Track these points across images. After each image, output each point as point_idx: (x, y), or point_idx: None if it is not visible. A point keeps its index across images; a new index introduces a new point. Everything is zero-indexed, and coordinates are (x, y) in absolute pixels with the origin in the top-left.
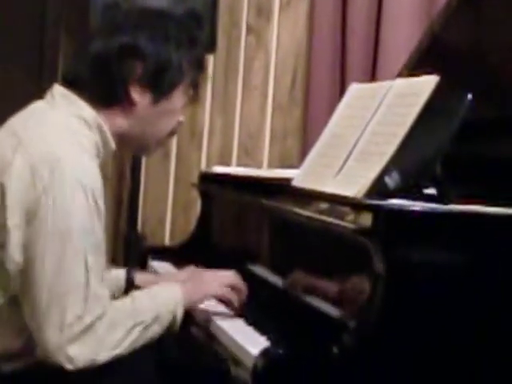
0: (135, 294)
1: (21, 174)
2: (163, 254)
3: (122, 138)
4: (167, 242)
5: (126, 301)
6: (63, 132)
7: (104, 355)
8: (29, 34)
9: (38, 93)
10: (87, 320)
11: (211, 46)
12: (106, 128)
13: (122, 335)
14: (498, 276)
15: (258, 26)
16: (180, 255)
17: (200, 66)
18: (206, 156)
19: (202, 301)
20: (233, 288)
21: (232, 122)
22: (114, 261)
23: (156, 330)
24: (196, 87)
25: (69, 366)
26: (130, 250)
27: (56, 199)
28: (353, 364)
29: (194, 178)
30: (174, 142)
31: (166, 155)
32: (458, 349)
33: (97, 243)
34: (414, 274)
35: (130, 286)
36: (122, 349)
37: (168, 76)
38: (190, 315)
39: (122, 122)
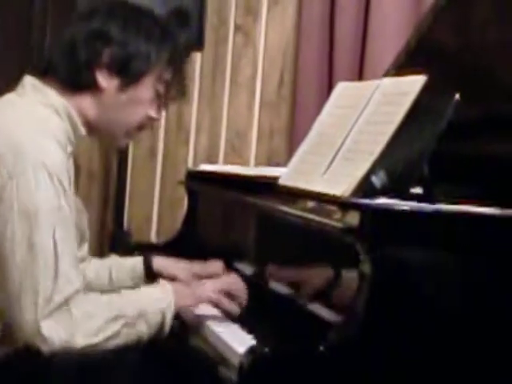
0: (123, 290)
1: None
2: (149, 251)
3: (90, 126)
4: (153, 239)
5: (113, 295)
6: (28, 119)
7: (80, 340)
8: (15, 25)
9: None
10: (57, 299)
11: (199, 44)
12: (74, 115)
13: (100, 324)
14: (485, 275)
15: (245, 24)
16: (166, 252)
17: (171, 63)
18: (192, 153)
19: (194, 305)
20: (228, 293)
21: (219, 120)
22: (100, 257)
23: (142, 329)
24: (167, 84)
25: (44, 347)
26: (116, 247)
27: (20, 181)
28: (339, 362)
29: (181, 176)
30: (160, 139)
31: (153, 152)
32: (444, 347)
33: (65, 222)
34: (400, 273)
35: (149, 272)
36: (99, 338)
37: (135, 64)
38: (183, 323)
39: (89, 109)
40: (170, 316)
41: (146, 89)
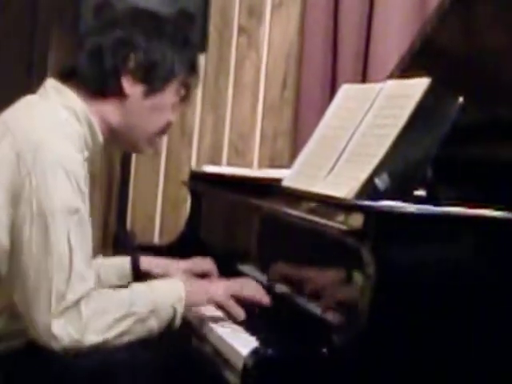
0: (134, 285)
1: (6, 159)
2: (152, 252)
3: (112, 133)
4: (156, 240)
5: (123, 291)
6: (49, 121)
7: (90, 338)
8: (19, 34)
9: (28, 92)
10: (70, 299)
11: (202, 46)
12: (94, 121)
13: (111, 322)
14: (488, 277)
15: (249, 26)
16: (169, 253)
17: (192, 68)
18: (196, 154)
19: (204, 303)
20: (238, 299)
21: (223, 122)
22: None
23: (153, 324)
24: (187, 88)
25: (55, 345)
26: (119, 247)
27: (39, 182)
28: (342, 364)
29: (184, 177)
30: (164, 140)
31: (156, 153)
32: (448, 349)
33: (81, 223)
34: (403, 275)
35: (136, 272)
36: (110, 336)
37: (160, 71)
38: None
39: (112, 115)
40: (180, 310)
41: (169, 95)
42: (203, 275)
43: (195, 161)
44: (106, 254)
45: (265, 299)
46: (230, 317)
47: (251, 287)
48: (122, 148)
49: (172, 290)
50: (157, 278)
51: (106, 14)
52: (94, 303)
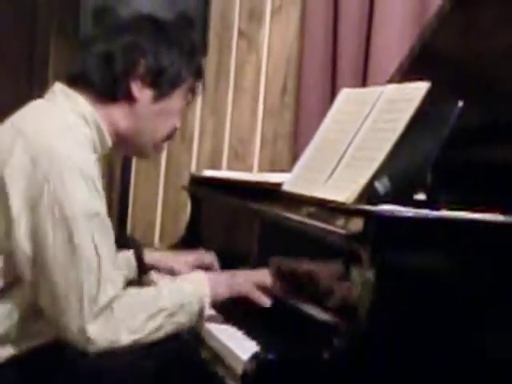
0: (160, 283)
1: (21, 164)
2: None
3: (119, 137)
4: (157, 244)
5: (150, 288)
6: (59, 124)
7: (124, 338)
8: (19, 38)
9: (28, 98)
10: (102, 301)
11: (202, 50)
12: (103, 125)
13: (144, 320)
14: (487, 282)
15: (249, 29)
16: None
17: (199, 73)
18: (196, 159)
19: (230, 294)
20: (260, 287)
21: (223, 126)
22: None
23: (182, 320)
24: (194, 94)
25: (91, 348)
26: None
27: (57, 187)
28: (343, 368)
29: (184, 181)
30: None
31: (156, 158)
32: (448, 352)
33: (103, 225)
34: (404, 280)
35: (140, 265)
36: (143, 334)
37: (169, 76)
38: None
39: (121, 119)
40: (207, 304)
41: (177, 100)
42: (206, 269)
43: (195, 165)
44: None
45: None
46: (254, 303)
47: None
48: (129, 153)
49: (197, 283)
50: (161, 271)
51: (111, 19)
52: (124, 303)
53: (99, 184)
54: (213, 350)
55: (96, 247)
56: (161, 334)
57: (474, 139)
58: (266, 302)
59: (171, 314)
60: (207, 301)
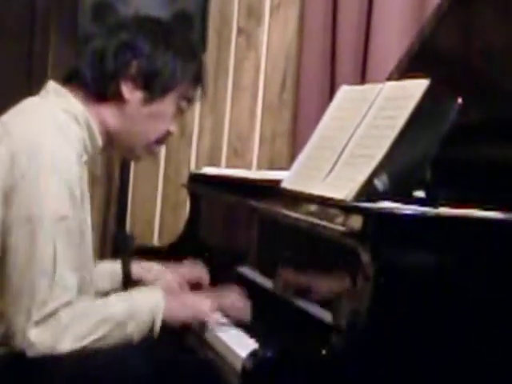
0: (112, 293)
1: (1, 160)
2: (152, 254)
3: (110, 137)
4: (156, 242)
5: (101, 299)
6: (48, 123)
7: (65, 345)
8: (17, 35)
9: (27, 96)
10: (51, 306)
11: (201, 47)
12: (93, 124)
13: (89, 328)
14: (486, 279)
15: (248, 27)
16: (168, 256)
17: (196, 80)
18: (195, 156)
19: (188, 319)
20: (222, 309)
21: (222, 123)
22: (102, 260)
23: (132, 330)
24: (189, 100)
25: (28, 351)
26: (119, 250)
27: (31, 185)
28: (342, 366)
29: (184, 179)
30: None
31: (155, 155)
32: (447, 350)
33: (69, 231)
34: (402, 277)
35: (127, 278)
36: (87, 341)
37: (161, 79)
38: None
39: (111, 118)
40: (159, 316)
41: (168, 104)
42: (195, 283)
43: (194, 162)
44: (104, 256)
45: (246, 317)
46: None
47: (236, 301)
48: (119, 153)
49: (150, 296)
50: (147, 285)
51: (111, 17)
52: (72, 310)
53: (78, 191)
54: (212, 348)
55: (55, 251)
56: (107, 341)
57: (474, 136)
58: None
59: (119, 325)
60: (159, 315)
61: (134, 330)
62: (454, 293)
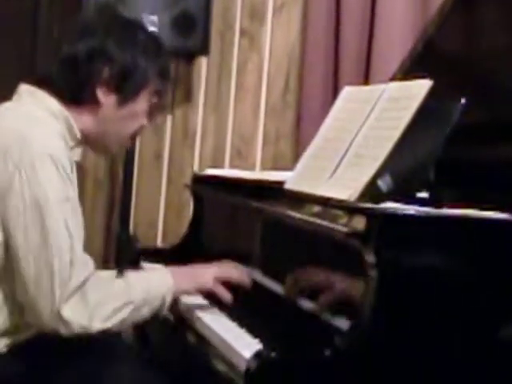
0: (129, 275)
1: None
2: (155, 255)
3: (85, 136)
4: (159, 243)
5: (119, 281)
6: (28, 118)
7: (96, 324)
8: (20, 37)
9: None
10: (74, 283)
11: (204, 49)
12: (70, 118)
13: (112, 311)
14: (490, 279)
15: (251, 28)
16: (172, 257)
17: (165, 76)
18: (198, 158)
19: (191, 291)
20: (225, 282)
21: (225, 124)
22: (105, 262)
23: (145, 313)
24: (160, 96)
25: (64, 330)
26: (122, 251)
27: (28, 173)
28: (345, 367)
29: (187, 180)
30: (166, 143)
31: (159, 157)
32: (451, 351)
33: (73, 210)
34: (406, 278)
35: None
36: (112, 323)
37: (133, 80)
38: (183, 318)
39: (87, 121)
40: (168, 300)
41: (142, 103)
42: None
43: (198, 164)
44: (108, 258)
45: (247, 283)
46: (219, 301)
47: (236, 269)
48: (93, 150)
49: (162, 279)
50: None
51: (80, 19)
52: (96, 291)
53: (69, 169)
54: (216, 348)
55: (69, 231)
56: (126, 324)
57: (477, 136)
58: (227, 298)
59: (137, 308)
60: (169, 297)
61: (145, 314)
62: (458, 293)
